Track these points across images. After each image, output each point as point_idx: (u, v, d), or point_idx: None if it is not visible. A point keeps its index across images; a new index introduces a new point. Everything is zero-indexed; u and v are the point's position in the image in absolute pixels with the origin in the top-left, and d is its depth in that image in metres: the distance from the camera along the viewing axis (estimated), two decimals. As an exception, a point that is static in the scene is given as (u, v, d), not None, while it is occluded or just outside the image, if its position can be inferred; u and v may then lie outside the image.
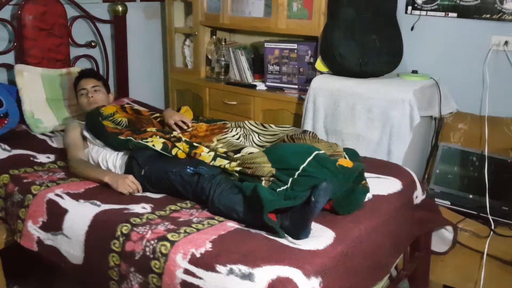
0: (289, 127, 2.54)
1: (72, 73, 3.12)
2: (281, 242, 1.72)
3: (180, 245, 1.71)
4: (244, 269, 1.57)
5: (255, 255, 1.62)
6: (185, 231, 1.80)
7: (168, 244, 1.73)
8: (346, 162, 2.03)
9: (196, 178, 2.04)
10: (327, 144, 2.30)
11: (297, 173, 1.94)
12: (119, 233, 1.85)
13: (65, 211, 2.04)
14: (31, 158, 2.50)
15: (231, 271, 1.57)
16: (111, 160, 2.35)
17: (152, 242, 1.76)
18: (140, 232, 1.82)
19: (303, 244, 1.70)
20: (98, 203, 2.05)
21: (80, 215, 2.01)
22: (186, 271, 1.65)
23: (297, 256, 1.63)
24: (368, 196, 2.06)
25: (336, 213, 1.94)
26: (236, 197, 1.92)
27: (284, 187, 1.92)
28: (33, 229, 2.12)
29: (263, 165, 2.01)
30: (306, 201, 1.80)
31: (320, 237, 1.76)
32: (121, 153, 2.35)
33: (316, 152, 2.00)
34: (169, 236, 1.77)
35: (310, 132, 2.43)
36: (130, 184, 2.16)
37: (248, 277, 1.54)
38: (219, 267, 1.60)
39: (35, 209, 2.12)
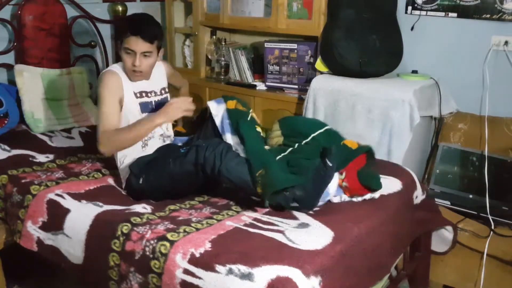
0: None
1: (72, 73, 3.13)
2: (280, 241, 1.72)
3: (179, 245, 1.72)
4: (244, 269, 1.57)
5: (254, 255, 1.62)
6: (184, 231, 1.80)
7: (167, 244, 1.73)
8: (351, 143, 2.13)
9: (194, 153, 2.02)
10: None
11: (305, 141, 2.03)
12: (119, 232, 1.86)
13: (67, 211, 2.05)
14: (30, 159, 2.50)
15: (230, 271, 1.57)
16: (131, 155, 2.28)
17: (152, 242, 1.76)
18: (140, 232, 1.82)
19: (302, 244, 1.70)
20: (100, 204, 2.06)
21: (82, 215, 2.01)
22: (186, 271, 1.65)
23: (296, 256, 1.63)
24: (374, 195, 2.06)
25: (369, 189, 2.03)
26: (246, 169, 1.93)
27: (285, 153, 2.02)
28: (33, 229, 2.12)
29: (272, 136, 2.12)
30: (318, 167, 1.89)
31: (319, 237, 1.76)
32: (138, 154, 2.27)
33: (328, 127, 2.16)
34: (168, 236, 1.77)
35: None
36: (181, 106, 2.18)
37: (247, 277, 1.54)
38: (218, 267, 1.60)
39: (35, 209, 2.12)
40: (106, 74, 2.25)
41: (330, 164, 1.85)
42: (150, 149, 2.29)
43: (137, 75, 2.25)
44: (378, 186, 2.06)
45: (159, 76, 2.45)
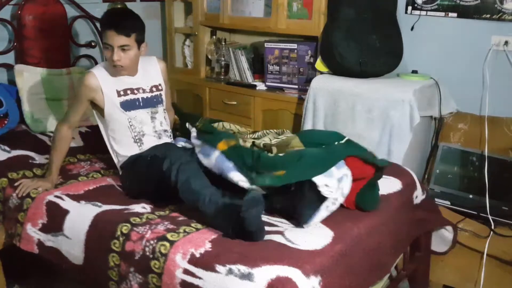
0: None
1: (72, 73, 3.13)
2: (279, 242, 1.73)
3: (179, 245, 1.72)
4: (244, 269, 1.57)
5: (254, 255, 1.62)
6: (184, 231, 1.80)
7: (167, 244, 1.73)
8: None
9: (159, 163, 2.01)
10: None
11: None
12: (119, 233, 1.86)
13: (66, 212, 2.05)
14: (30, 160, 2.49)
15: (230, 271, 1.57)
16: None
17: (152, 242, 1.76)
18: (140, 232, 1.82)
19: (301, 244, 1.71)
20: (99, 204, 2.06)
21: (81, 215, 2.01)
22: (186, 271, 1.65)
23: (296, 256, 1.63)
24: None
25: (361, 210, 1.99)
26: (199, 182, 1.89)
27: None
28: (33, 232, 2.12)
29: (292, 145, 2.07)
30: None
31: (318, 237, 1.76)
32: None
33: (347, 138, 2.15)
34: (168, 236, 1.77)
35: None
36: (23, 188, 2.21)
37: (247, 277, 1.54)
38: (218, 267, 1.60)
39: (34, 212, 2.13)
40: (85, 75, 2.29)
41: (241, 215, 1.70)
42: (146, 147, 2.30)
43: (119, 69, 2.23)
44: (372, 208, 2.01)
45: (151, 73, 2.40)
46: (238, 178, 1.89)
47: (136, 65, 2.32)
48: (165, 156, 2.01)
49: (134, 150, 2.29)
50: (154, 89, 2.39)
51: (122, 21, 2.19)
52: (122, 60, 2.19)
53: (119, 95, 2.28)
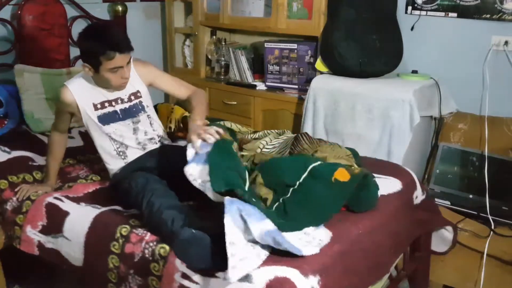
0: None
1: (72, 73, 3.12)
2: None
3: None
4: None
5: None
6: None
7: (167, 247, 1.73)
8: (343, 175, 1.87)
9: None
10: (328, 146, 2.27)
11: (291, 189, 1.83)
12: (118, 234, 1.86)
13: (66, 214, 2.05)
14: (30, 162, 2.48)
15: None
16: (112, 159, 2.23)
17: (151, 244, 1.76)
18: (140, 234, 1.82)
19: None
20: (98, 206, 2.06)
21: (80, 217, 2.01)
22: (184, 275, 1.65)
23: (293, 256, 1.62)
24: None
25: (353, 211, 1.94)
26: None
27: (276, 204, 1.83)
28: (33, 234, 2.11)
29: (261, 193, 1.87)
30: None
31: (316, 237, 1.75)
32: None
33: (312, 166, 1.88)
34: (168, 238, 1.76)
35: (304, 136, 2.37)
36: (22, 192, 2.20)
37: (246, 279, 1.54)
38: (216, 272, 1.59)
39: (34, 214, 2.12)
40: (61, 90, 2.17)
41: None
42: (130, 158, 2.20)
43: (124, 84, 2.14)
44: (367, 209, 1.96)
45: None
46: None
47: None
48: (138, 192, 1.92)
49: (119, 162, 2.20)
50: (132, 97, 2.22)
51: (124, 39, 2.05)
52: (128, 73, 2.10)
53: (96, 108, 2.16)
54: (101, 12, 3.50)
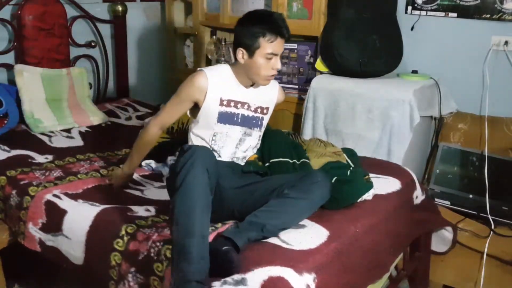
0: None
1: (72, 73, 3.13)
2: (273, 243, 1.72)
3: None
4: (236, 276, 1.55)
5: (247, 260, 1.61)
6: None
7: None
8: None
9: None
10: (315, 144, 2.34)
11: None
12: (123, 232, 1.84)
13: (64, 212, 2.04)
14: (29, 160, 2.48)
15: (224, 282, 1.54)
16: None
17: (158, 244, 1.74)
18: (146, 233, 1.81)
19: (296, 245, 1.70)
20: (96, 204, 2.05)
21: (80, 215, 2.00)
22: None
23: (288, 256, 1.63)
24: (368, 195, 2.05)
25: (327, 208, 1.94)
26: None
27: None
28: (34, 231, 2.11)
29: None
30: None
31: (313, 237, 1.75)
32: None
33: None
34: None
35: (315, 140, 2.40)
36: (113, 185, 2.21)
37: (241, 282, 1.53)
38: (212, 282, 1.56)
39: (34, 211, 2.12)
40: (195, 74, 2.00)
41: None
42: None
43: (270, 78, 2.00)
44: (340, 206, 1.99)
45: (266, 94, 2.10)
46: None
47: None
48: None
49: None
50: (259, 110, 2.08)
51: (286, 26, 1.94)
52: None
53: (221, 104, 1.99)
54: (101, 12, 3.50)
